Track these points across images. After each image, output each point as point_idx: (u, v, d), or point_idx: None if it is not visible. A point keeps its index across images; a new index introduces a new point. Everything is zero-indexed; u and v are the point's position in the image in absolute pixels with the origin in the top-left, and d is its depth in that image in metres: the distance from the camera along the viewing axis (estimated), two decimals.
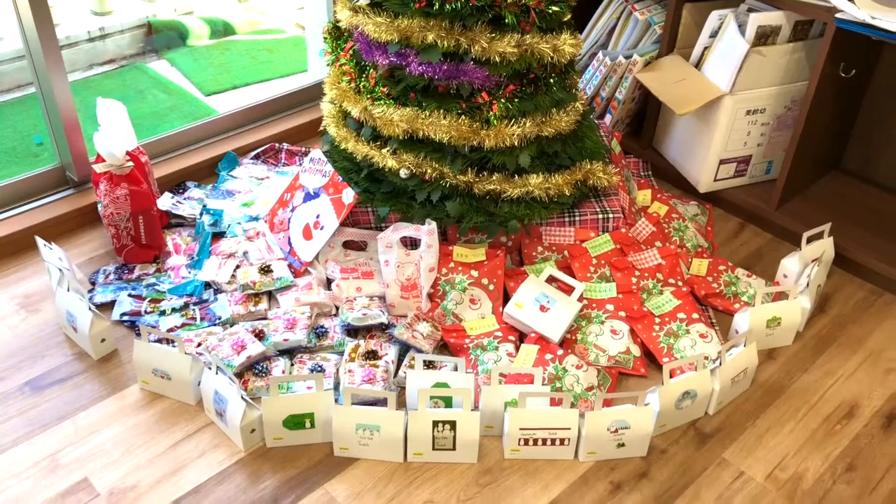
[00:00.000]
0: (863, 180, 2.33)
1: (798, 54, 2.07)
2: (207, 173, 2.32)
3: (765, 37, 2.01)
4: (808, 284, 1.88)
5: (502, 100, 1.75)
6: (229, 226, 2.07)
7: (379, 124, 1.79)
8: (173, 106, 2.75)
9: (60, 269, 1.78)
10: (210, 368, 1.58)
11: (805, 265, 1.94)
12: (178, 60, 3.09)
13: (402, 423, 1.53)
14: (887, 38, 1.77)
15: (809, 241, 1.95)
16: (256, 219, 2.09)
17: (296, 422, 1.56)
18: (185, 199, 2.18)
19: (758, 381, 1.78)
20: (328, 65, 1.94)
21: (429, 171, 1.81)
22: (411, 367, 1.70)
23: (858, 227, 2.12)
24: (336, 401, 1.60)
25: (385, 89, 1.77)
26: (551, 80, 1.83)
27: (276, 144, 2.41)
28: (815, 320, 1.95)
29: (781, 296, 1.86)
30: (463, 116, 1.75)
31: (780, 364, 1.83)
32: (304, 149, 2.42)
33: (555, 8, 1.73)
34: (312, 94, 2.58)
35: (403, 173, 1.82)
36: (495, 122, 1.75)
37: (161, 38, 3.15)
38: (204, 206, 2.14)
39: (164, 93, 2.83)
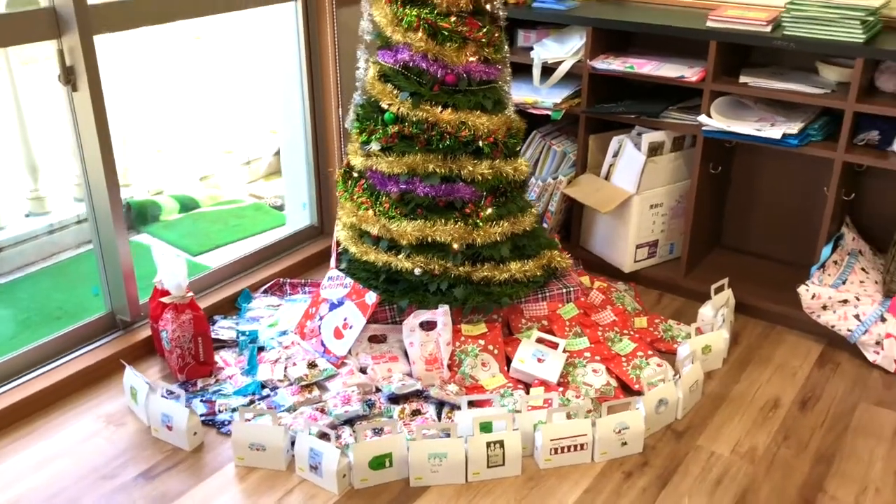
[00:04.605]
0: (738, 251, 3.05)
1: (679, 160, 2.81)
2: (229, 308, 2.74)
3: (654, 150, 2.75)
4: (723, 321, 2.51)
5: (487, 208, 2.35)
6: (266, 342, 2.49)
7: (395, 236, 2.33)
8: None
9: (147, 383, 2.15)
10: (302, 431, 1.98)
11: (717, 309, 2.58)
12: (158, 233, 3.53)
13: (462, 447, 1.97)
14: (739, 140, 2.53)
15: (716, 291, 2.60)
16: (286, 333, 2.53)
17: (378, 462, 1.96)
18: (218, 328, 2.59)
19: (706, 393, 2.35)
20: (343, 200, 2.48)
21: (436, 267, 2.35)
22: (449, 417, 2.16)
23: (746, 283, 2.79)
24: None
25: (398, 210, 2.33)
26: (515, 193, 2.45)
27: (280, 280, 2.87)
28: (733, 350, 2.57)
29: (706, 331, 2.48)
30: (459, 222, 2.32)
31: (717, 380, 2.42)
32: (302, 280, 2.89)
33: (513, 140, 2.39)
34: (296, 240, 3.10)
35: (417, 271, 2.35)
36: (482, 224, 2.34)
37: (139, 215, 3.60)
38: (238, 330, 2.55)
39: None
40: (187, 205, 3.78)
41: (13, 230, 3.32)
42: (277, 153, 4.32)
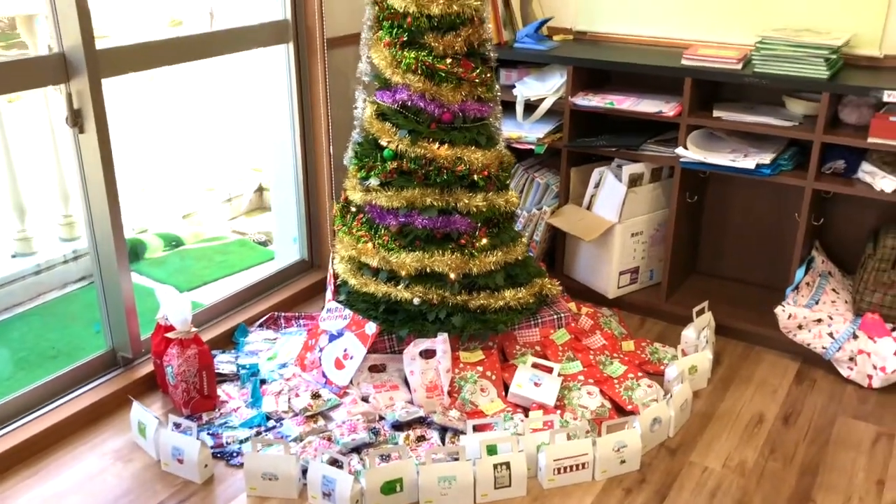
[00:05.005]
0: (714, 276, 3.20)
1: (657, 191, 2.96)
2: (225, 342, 2.78)
3: (634, 181, 2.89)
4: (707, 342, 2.63)
5: (482, 239, 2.45)
6: (267, 375, 2.54)
7: (395, 267, 2.42)
8: None
9: (157, 417, 2.19)
10: (314, 459, 2.03)
11: (699, 331, 2.70)
12: (145, 270, 3.56)
13: (471, 470, 2.04)
14: (716, 170, 2.68)
15: (698, 314, 2.72)
16: (285, 365, 2.58)
17: (390, 487, 2.02)
18: (218, 362, 2.63)
19: (694, 412, 2.46)
20: (342, 234, 2.56)
21: (434, 297, 2.43)
22: (453, 442, 2.23)
23: (723, 305, 2.92)
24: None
25: (397, 242, 2.41)
26: (506, 223, 2.56)
27: (274, 313, 2.93)
28: (716, 370, 2.69)
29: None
30: (456, 253, 2.42)
31: (703, 399, 2.53)
32: (296, 314, 2.95)
33: (504, 173, 2.51)
34: (287, 274, 3.16)
35: (416, 301, 2.43)
36: (478, 254, 2.44)
37: None
38: (239, 364, 2.60)
39: (150, 295, 3.27)
40: (171, 242, 3.81)
41: (0, 271, 3.33)
42: (258, 190, 4.38)
